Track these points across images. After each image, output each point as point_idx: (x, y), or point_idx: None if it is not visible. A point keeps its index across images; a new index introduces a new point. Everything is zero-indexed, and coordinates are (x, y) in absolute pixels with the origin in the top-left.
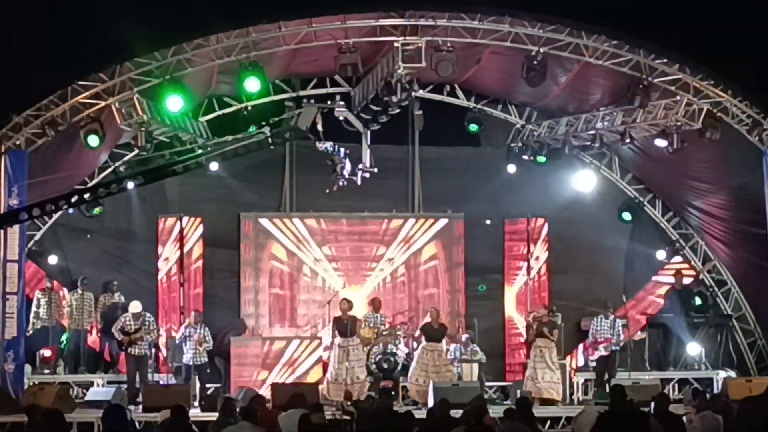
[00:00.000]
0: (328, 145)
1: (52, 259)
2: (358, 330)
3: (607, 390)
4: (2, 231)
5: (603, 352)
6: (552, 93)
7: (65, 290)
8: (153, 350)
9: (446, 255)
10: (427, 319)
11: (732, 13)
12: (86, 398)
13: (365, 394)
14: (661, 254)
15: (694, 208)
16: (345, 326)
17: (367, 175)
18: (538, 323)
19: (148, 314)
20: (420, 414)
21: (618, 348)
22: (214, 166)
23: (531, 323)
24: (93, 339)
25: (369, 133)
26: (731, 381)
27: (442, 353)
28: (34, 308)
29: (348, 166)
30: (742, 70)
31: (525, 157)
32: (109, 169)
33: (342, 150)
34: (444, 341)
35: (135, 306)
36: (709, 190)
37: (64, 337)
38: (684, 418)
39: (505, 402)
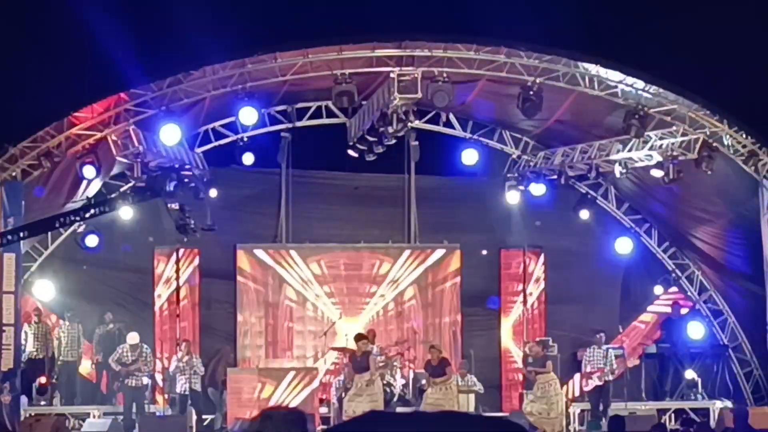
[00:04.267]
0: (176, 205)
1: (48, 290)
2: (372, 364)
3: (603, 420)
4: None
5: (597, 382)
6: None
7: (57, 319)
8: (150, 381)
9: (441, 286)
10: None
11: (727, 43)
12: (82, 430)
13: None
14: (658, 289)
15: (691, 238)
16: (359, 362)
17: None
18: (533, 359)
19: (145, 345)
20: None
21: (611, 378)
22: (213, 192)
23: (527, 357)
24: (88, 371)
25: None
26: (727, 411)
27: (452, 384)
28: (21, 341)
29: (192, 223)
30: (737, 101)
31: (521, 187)
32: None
33: (187, 209)
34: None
35: (132, 337)
36: (705, 219)
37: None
38: None
39: None
